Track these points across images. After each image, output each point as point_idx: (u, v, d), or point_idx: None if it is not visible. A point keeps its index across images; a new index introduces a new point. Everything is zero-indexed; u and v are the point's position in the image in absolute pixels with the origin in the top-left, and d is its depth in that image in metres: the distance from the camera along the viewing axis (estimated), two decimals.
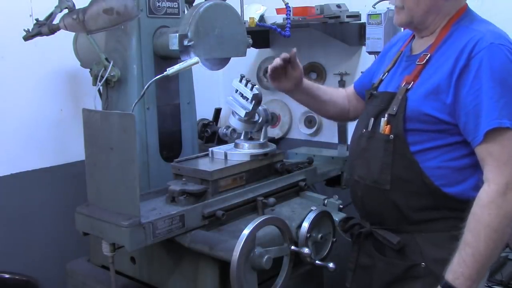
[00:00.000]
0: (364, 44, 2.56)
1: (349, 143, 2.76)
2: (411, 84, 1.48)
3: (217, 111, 2.83)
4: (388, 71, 1.65)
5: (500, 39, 1.40)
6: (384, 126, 1.50)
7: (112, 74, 1.93)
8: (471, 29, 1.44)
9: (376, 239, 1.58)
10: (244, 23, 2.38)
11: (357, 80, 1.96)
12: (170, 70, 1.74)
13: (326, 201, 1.93)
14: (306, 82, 1.87)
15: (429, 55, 1.48)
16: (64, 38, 2.15)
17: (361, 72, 2.71)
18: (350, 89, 1.96)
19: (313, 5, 2.61)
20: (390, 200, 1.51)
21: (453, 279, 1.36)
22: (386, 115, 1.50)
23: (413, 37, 1.65)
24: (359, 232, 1.65)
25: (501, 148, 1.34)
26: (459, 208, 1.41)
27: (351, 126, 2.81)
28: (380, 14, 2.44)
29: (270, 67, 1.77)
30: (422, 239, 1.50)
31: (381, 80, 1.66)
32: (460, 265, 1.35)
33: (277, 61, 1.75)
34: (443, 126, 1.43)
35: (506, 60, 1.37)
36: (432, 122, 1.44)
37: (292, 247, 1.62)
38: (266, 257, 1.51)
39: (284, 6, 2.59)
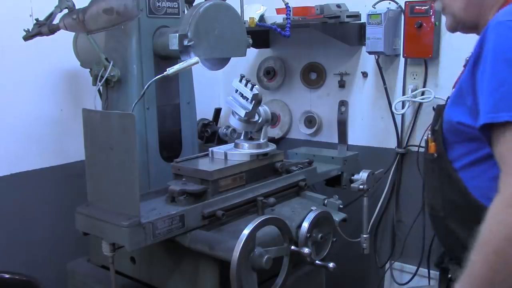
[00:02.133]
0: (364, 44, 2.56)
1: (349, 142, 2.77)
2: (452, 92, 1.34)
3: (217, 111, 2.83)
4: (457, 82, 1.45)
5: (510, 15, 1.16)
6: (430, 144, 1.37)
7: (112, 74, 1.93)
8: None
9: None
10: (244, 23, 2.38)
11: None
12: (170, 70, 1.74)
13: (326, 201, 1.93)
14: None
15: (468, 56, 1.30)
16: (64, 38, 2.15)
17: (362, 73, 2.73)
18: None
19: (313, 5, 2.60)
20: (448, 229, 1.33)
21: None
22: (430, 131, 1.38)
23: None
24: (449, 278, 1.40)
25: (507, 148, 1.10)
26: None
27: (352, 126, 2.84)
28: (380, 14, 2.44)
29: None
30: None
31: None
32: (459, 283, 1.14)
33: None
34: (475, 133, 1.20)
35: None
36: (464, 130, 1.25)
37: (292, 247, 1.62)
38: (266, 257, 1.51)
39: (284, 6, 2.59)
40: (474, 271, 1.08)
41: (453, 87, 1.32)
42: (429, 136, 1.36)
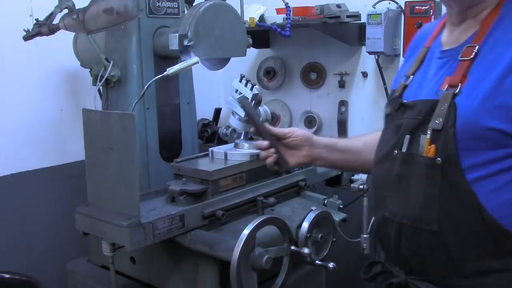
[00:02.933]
0: (364, 44, 2.56)
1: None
2: (459, 87, 1.13)
3: (217, 111, 2.83)
4: (413, 74, 1.32)
5: None
6: (426, 147, 1.14)
7: (112, 74, 1.93)
8: None
9: None
10: (244, 23, 2.38)
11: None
12: (170, 70, 1.74)
13: (326, 201, 1.93)
14: (323, 139, 1.66)
15: (477, 46, 1.14)
16: (64, 38, 2.15)
17: (362, 73, 2.72)
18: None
19: (313, 5, 2.61)
20: (438, 245, 1.15)
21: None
22: (428, 131, 1.14)
23: (442, 28, 1.33)
24: (390, 283, 1.29)
25: None
26: None
27: (352, 126, 2.84)
28: (380, 14, 2.44)
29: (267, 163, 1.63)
30: None
31: (405, 86, 1.32)
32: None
33: (263, 154, 1.62)
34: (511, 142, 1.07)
35: None
36: (496, 138, 1.07)
37: (292, 247, 1.62)
38: (266, 257, 1.50)
39: (284, 6, 2.59)
40: None
41: (460, 81, 1.13)
42: (428, 136, 1.14)
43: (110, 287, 1.63)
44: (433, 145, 1.13)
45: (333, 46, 2.77)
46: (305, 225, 1.71)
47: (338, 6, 2.57)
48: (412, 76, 1.32)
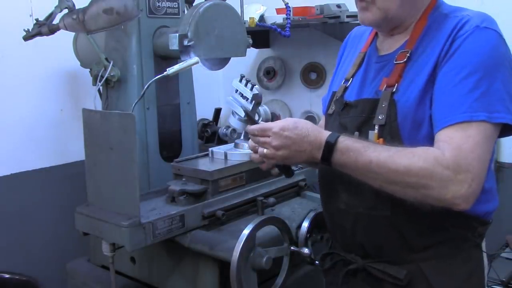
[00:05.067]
0: None
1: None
2: (395, 86, 1.27)
3: (217, 111, 2.83)
4: (352, 77, 1.44)
5: (487, 22, 1.23)
6: (375, 140, 1.26)
7: (112, 74, 1.93)
8: (454, 16, 1.28)
9: (371, 275, 1.34)
10: (244, 23, 2.37)
11: (323, 105, 1.62)
12: (170, 70, 1.74)
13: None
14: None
15: (409, 51, 1.29)
16: (64, 38, 2.15)
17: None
18: (322, 122, 1.61)
19: (313, 5, 2.61)
20: (392, 227, 1.29)
21: (341, 142, 1.22)
22: (376, 127, 1.27)
23: (375, 36, 1.46)
24: (348, 270, 1.39)
25: (466, 136, 1.15)
26: (466, 225, 1.28)
27: None
28: None
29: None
30: (430, 267, 1.29)
31: (346, 88, 1.43)
32: (357, 147, 1.20)
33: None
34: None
35: (490, 45, 1.20)
36: (430, 125, 1.23)
37: (292, 247, 1.62)
38: (266, 257, 1.51)
39: (284, 6, 2.60)
40: (386, 162, 1.16)
41: (396, 80, 1.27)
42: (376, 131, 1.26)
43: (110, 287, 1.63)
44: (381, 139, 1.25)
45: (333, 46, 2.77)
46: (305, 225, 1.71)
47: (338, 6, 2.57)
48: (351, 79, 1.44)
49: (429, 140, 1.22)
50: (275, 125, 1.30)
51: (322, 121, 1.61)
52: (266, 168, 1.40)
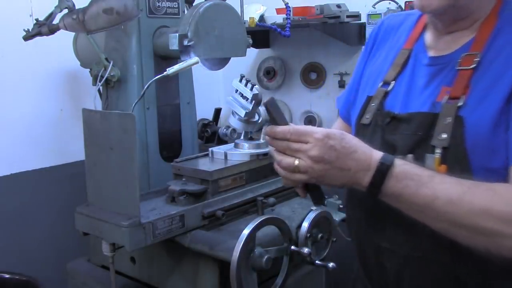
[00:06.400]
0: (364, 44, 2.56)
1: None
2: (462, 98, 1.02)
3: (217, 111, 2.83)
4: (394, 80, 1.19)
5: None
6: (436, 167, 1.00)
7: (112, 74, 1.93)
8: None
9: None
10: (244, 23, 2.38)
11: (341, 107, 1.38)
12: (170, 70, 1.74)
13: (326, 201, 1.93)
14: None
15: (478, 54, 1.04)
16: (64, 38, 2.15)
17: None
18: (336, 126, 1.38)
19: (313, 5, 2.61)
20: (448, 276, 1.06)
21: (398, 165, 0.97)
22: (437, 150, 1.01)
23: (423, 30, 1.20)
24: None
25: None
26: None
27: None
28: (380, 14, 2.44)
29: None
30: None
31: (386, 93, 1.18)
32: (418, 175, 0.96)
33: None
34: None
35: None
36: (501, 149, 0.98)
37: (292, 247, 1.62)
38: (266, 257, 1.50)
39: (284, 6, 2.59)
40: (441, 200, 0.93)
41: (463, 92, 1.03)
42: (438, 155, 1.00)
43: (110, 287, 1.63)
44: (443, 166, 1.00)
45: (333, 46, 2.77)
46: (305, 225, 1.71)
47: (338, 6, 2.57)
48: (393, 83, 1.18)
49: (505, 172, 0.98)
50: (318, 130, 1.00)
51: (336, 125, 1.39)
52: (292, 185, 1.09)
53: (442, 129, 1.02)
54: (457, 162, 1.00)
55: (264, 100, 1.07)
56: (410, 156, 1.05)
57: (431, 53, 1.15)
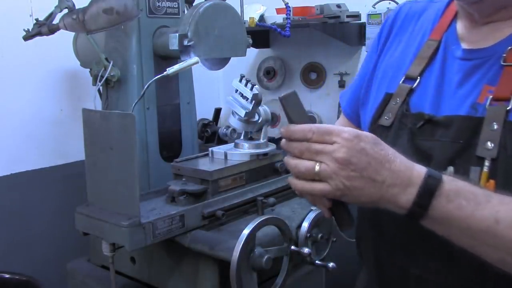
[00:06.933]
0: (364, 44, 2.56)
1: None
2: (511, 101, 0.87)
3: (217, 111, 2.83)
4: (420, 75, 1.01)
5: None
6: (483, 183, 0.84)
7: (112, 74, 1.93)
8: None
9: None
10: (244, 23, 2.38)
11: (346, 104, 1.22)
12: (170, 70, 1.74)
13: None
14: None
15: None
16: (64, 38, 2.15)
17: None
18: (341, 121, 1.24)
19: (313, 5, 2.61)
20: None
21: (448, 182, 0.78)
22: (486, 162, 0.85)
23: (453, 19, 1.03)
24: None
25: None
26: None
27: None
28: (380, 14, 2.44)
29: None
30: None
31: (411, 90, 1.01)
32: (473, 194, 0.78)
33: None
34: None
35: None
36: None
37: (292, 247, 1.62)
38: (266, 257, 1.50)
39: (284, 6, 2.59)
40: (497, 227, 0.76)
41: (508, 93, 0.87)
42: (486, 169, 0.84)
43: (110, 287, 1.63)
44: (491, 181, 0.84)
45: (333, 46, 2.77)
46: (305, 225, 1.71)
47: (338, 6, 2.57)
48: (419, 78, 1.01)
49: None
50: (347, 129, 0.80)
51: (339, 123, 1.22)
52: (310, 201, 0.90)
53: (487, 136, 0.86)
54: (508, 177, 0.84)
55: (285, 93, 0.90)
56: (451, 169, 0.88)
57: (466, 46, 0.98)
